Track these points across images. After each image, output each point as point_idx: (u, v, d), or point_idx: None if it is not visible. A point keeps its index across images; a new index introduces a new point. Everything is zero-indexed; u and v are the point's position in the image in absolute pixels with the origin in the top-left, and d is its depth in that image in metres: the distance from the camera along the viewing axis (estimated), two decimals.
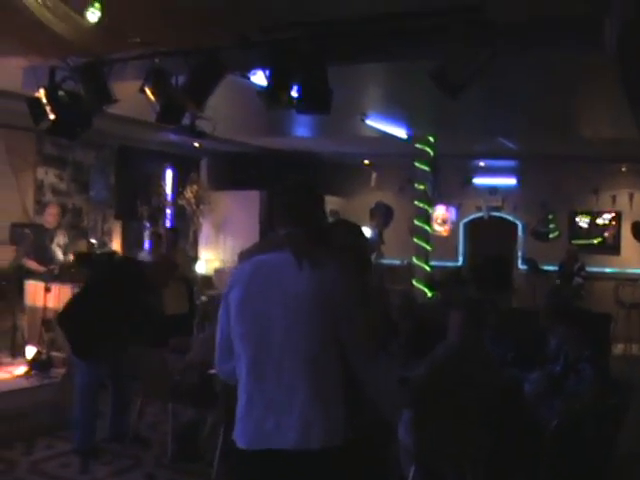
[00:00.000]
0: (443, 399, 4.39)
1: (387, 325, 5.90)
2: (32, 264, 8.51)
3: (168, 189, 13.61)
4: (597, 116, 9.65)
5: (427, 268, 11.28)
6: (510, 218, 14.57)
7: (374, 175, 14.48)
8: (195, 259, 13.36)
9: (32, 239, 8.77)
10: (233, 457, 2.83)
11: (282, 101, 5.56)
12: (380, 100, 9.33)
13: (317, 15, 5.23)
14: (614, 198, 13.59)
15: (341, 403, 2.72)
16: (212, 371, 4.89)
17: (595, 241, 13.73)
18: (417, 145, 11.15)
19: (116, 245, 12.35)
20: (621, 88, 4.82)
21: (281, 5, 5.08)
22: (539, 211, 13.97)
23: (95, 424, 6.02)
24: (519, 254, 14.18)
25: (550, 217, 13.88)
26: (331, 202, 14.70)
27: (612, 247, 13.68)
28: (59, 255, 8.80)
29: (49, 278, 8.06)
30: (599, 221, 13.81)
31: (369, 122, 9.81)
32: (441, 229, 14.64)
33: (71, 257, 8.73)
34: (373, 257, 13.13)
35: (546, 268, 12.45)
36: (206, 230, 14.16)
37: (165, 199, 13.48)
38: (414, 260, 11.37)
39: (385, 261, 13.86)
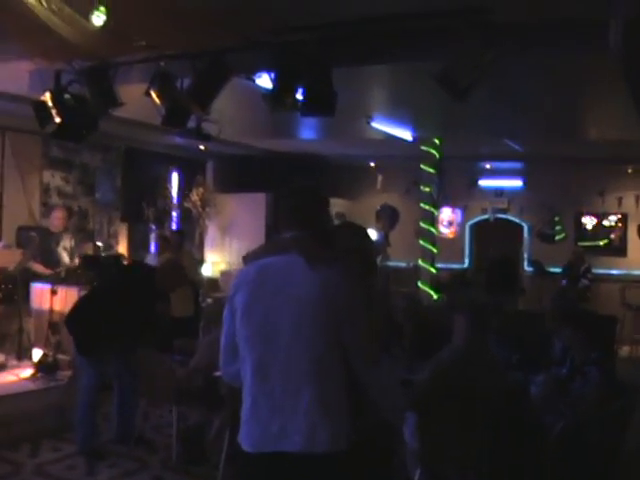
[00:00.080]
0: (448, 402, 4.37)
1: (390, 328, 5.90)
2: (38, 267, 8.52)
3: (174, 192, 13.63)
4: (603, 118, 9.62)
5: (433, 270, 11.26)
6: (516, 220, 14.54)
7: (380, 177, 14.48)
8: (201, 262, 13.38)
9: (38, 242, 8.78)
10: (239, 460, 2.83)
11: (287, 104, 5.57)
12: (385, 102, 9.33)
13: (322, 18, 5.23)
14: (620, 200, 13.55)
15: (345, 406, 2.72)
16: (217, 374, 4.90)
17: (601, 243, 13.69)
18: (423, 147, 11.16)
19: (122, 248, 12.36)
20: (626, 88, 4.80)
21: (286, 8, 5.08)
22: (545, 213, 13.93)
23: (96, 425, 6.04)
24: (525, 256, 14.15)
25: (556, 219, 13.84)
26: (337, 204, 14.69)
27: (618, 249, 13.64)
28: (65, 258, 8.81)
29: (55, 281, 8.06)
30: (605, 223, 13.77)
31: (374, 124, 9.80)
32: (447, 231, 14.64)
33: (77, 260, 8.73)
34: (379, 259, 13.13)
35: (552, 270, 12.42)
36: (212, 232, 14.18)
37: (171, 202, 13.49)
38: (420, 262, 11.36)
39: (391, 263, 13.85)
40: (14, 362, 7.88)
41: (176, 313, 7.89)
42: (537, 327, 6.95)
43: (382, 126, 10.05)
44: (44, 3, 4.73)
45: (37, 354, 7.73)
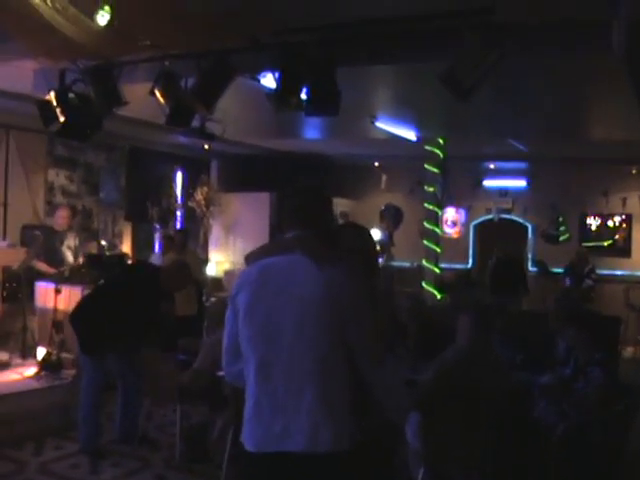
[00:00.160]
0: (452, 402, 4.38)
1: (395, 328, 5.90)
2: (42, 266, 8.54)
3: (178, 191, 13.64)
4: (607, 118, 9.62)
5: (437, 270, 11.26)
6: (520, 220, 14.52)
7: (384, 177, 14.47)
8: (205, 261, 13.39)
9: (42, 241, 8.79)
10: (241, 460, 2.83)
11: (291, 104, 5.56)
12: (390, 102, 9.33)
13: (326, 18, 5.23)
14: (624, 200, 13.52)
15: (349, 406, 2.71)
16: (221, 373, 4.90)
17: (605, 243, 13.67)
18: (427, 147, 11.16)
19: (126, 247, 12.37)
20: (631, 89, 4.80)
21: (291, 8, 5.08)
22: (549, 213, 13.91)
23: (100, 424, 6.05)
24: (529, 256, 14.14)
25: (560, 219, 13.82)
26: (341, 204, 14.71)
27: (622, 250, 13.61)
28: (69, 257, 8.83)
29: (59, 280, 8.08)
30: (609, 223, 13.75)
31: (379, 124, 9.80)
32: (451, 231, 14.62)
33: (81, 259, 8.75)
34: (383, 259, 13.14)
35: (556, 271, 12.40)
36: (216, 232, 14.18)
37: (175, 201, 13.50)
38: (424, 262, 11.36)
39: (395, 263, 13.85)
40: (18, 360, 7.90)
41: (179, 312, 7.90)
42: (541, 327, 6.95)
43: (386, 126, 10.04)
44: (48, 2, 4.73)
45: (41, 353, 7.74)
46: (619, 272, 13.36)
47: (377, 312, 3.03)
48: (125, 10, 4.90)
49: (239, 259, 13.06)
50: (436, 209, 11.29)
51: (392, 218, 14.56)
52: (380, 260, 13.20)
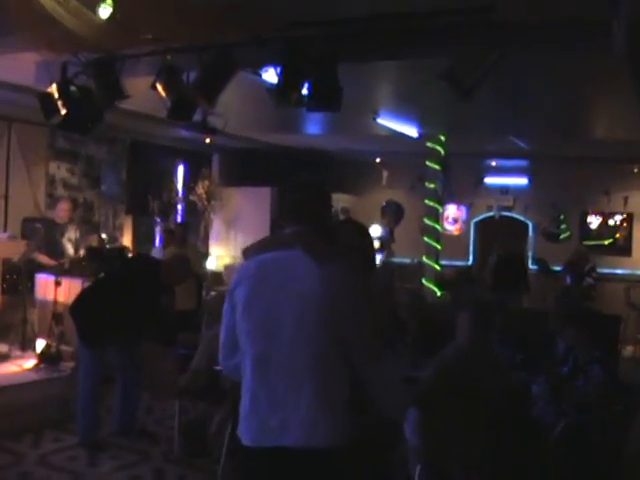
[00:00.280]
0: (451, 400, 4.38)
1: (394, 324, 5.90)
2: (43, 258, 8.55)
3: (179, 185, 13.64)
4: (609, 117, 9.61)
5: (437, 267, 11.26)
6: (521, 218, 14.52)
7: (385, 173, 14.46)
8: (205, 255, 13.39)
9: (43, 233, 8.80)
10: (239, 454, 2.83)
11: (292, 99, 5.55)
12: (392, 98, 9.31)
13: (329, 13, 5.22)
14: (626, 199, 13.51)
15: (347, 401, 2.71)
16: (219, 368, 4.90)
17: (606, 242, 13.67)
18: (428, 144, 11.15)
19: (127, 240, 12.38)
20: (631, 89, 4.80)
21: (293, 3, 5.07)
22: (550, 211, 13.90)
23: (98, 417, 6.06)
24: (529, 254, 14.13)
25: (561, 217, 13.82)
26: (342, 200, 14.70)
27: (623, 248, 13.61)
28: (70, 250, 8.83)
29: (59, 272, 8.09)
30: (610, 222, 13.74)
31: (380, 120, 9.79)
32: (452, 228, 14.62)
33: (82, 252, 8.75)
34: (384, 255, 13.14)
35: (556, 269, 12.40)
36: (217, 226, 14.19)
37: (176, 195, 13.50)
38: (424, 259, 11.35)
39: (395, 260, 13.85)
40: (18, 352, 7.92)
41: (179, 306, 7.91)
42: (541, 326, 6.94)
43: (388, 122, 10.03)
44: None
45: (40, 345, 7.75)
46: (620, 271, 13.36)
47: (375, 309, 3.03)
48: (127, 3, 4.90)
49: (239, 253, 13.06)
50: (437, 206, 11.28)
51: (393, 214, 14.54)
52: (380, 256, 13.22)
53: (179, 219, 13.33)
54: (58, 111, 6.52)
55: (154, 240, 12.78)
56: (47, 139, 10.75)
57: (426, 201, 11.31)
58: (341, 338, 2.67)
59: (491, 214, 14.70)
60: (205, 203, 13.50)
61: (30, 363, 7.52)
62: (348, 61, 5.48)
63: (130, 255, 9.98)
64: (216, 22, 5.25)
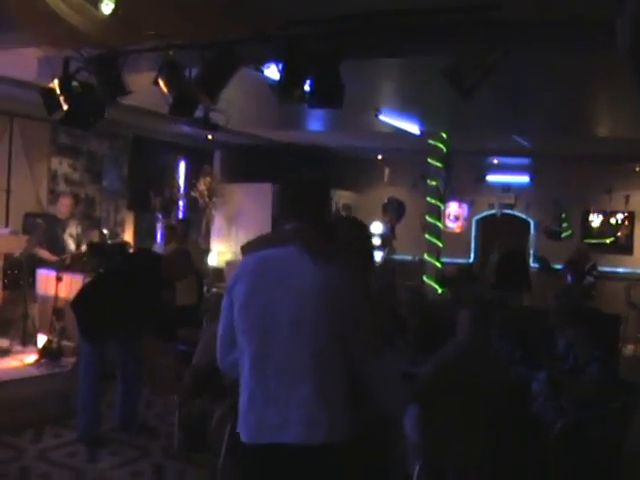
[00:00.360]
0: (451, 396, 4.38)
1: (394, 321, 5.91)
2: (44, 253, 8.54)
3: (181, 181, 13.64)
4: (611, 115, 9.60)
5: (438, 265, 11.26)
6: (522, 216, 14.52)
7: (387, 170, 14.46)
8: (207, 251, 13.39)
9: (44, 229, 8.79)
10: (238, 450, 2.83)
11: (295, 95, 5.55)
12: (394, 96, 9.31)
13: (331, 10, 5.21)
14: (627, 198, 13.51)
15: (345, 398, 2.71)
16: None
17: (607, 241, 13.66)
18: (430, 141, 11.15)
19: (128, 236, 12.38)
20: (634, 87, 4.79)
21: (293, 1, 5.07)
22: (552, 209, 13.91)
23: (99, 412, 6.07)
24: (531, 252, 14.13)
25: (563, 216, 13.81)
26: (344, 197, 14.70)
27: (625, 247, 13.62)
28: (71, 245, 8.84)
29: (61, 268, 8.09)
30: (612, 221, 13.73)
31: (382, 117, 9.78)
32: (453, 226, 14.63)
33: (83, 247, 8.76)
34: (385, 252, 13.14)
35: (557, 267, 12.40)
36: (218, 222, 14.19)
37: (178, 191, 13.51)
38: (425, 256, 11.35)
39: (397, 257, 13.86)
40: (18, 347, 7.93)
41: (179, 301, 7.91)
42: (541, 323, 6.94)
43: (390, 119, 10.02)
44: None
45: (41, 340, 7.76)
46: (621, 269, 13.36)
47: (375, 305, 3.03)
48: None
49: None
50: (438, 203, 11.28)
51: (395, 211, 14.55)
52: (382, 253, 13.22)
53: (180, 215, 13.33)
54: (60, 106, 6.53)
55: (155, 236, 12.78)
56: (49, 134, 10.76)
57: (428, 198, 11.30)
58: (340, 335, 2.67)
59: (493, 212, 14.71)
60: (206, 199, 13.50)
61: (31, 358, 7.53)
62: (349, 58, 5.46)
63: (130, 250, 9.98)
64: (218, 18, 5.24)
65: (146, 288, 5.88)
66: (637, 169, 13.18)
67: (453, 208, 14.68)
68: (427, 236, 11.32)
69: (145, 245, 11.78)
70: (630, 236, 13.60)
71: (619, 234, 13.67)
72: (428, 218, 11.29)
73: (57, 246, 8.71)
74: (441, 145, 11.14)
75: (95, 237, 9.69)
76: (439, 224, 11.34)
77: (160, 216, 12.69)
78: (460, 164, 12.58)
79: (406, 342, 6.14)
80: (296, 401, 2.63)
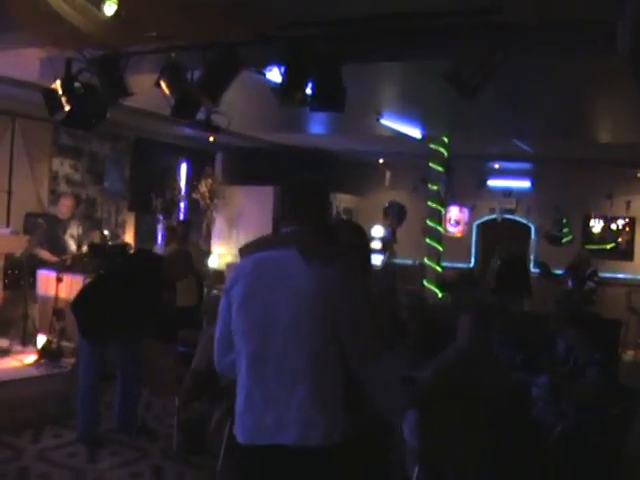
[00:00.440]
0: (451, 401, 4.38)
1: (395, 325, 5.90)
2: (45, 254, 8.54)
3: (182, 183, 13.65)
4: (613, 120, 9.59)
5: (438, 269, 11.25)
6: (523, 221, 14.51)
7: (388, 174, 14.46)
8: (207, 253, 13.39)
9: (45, 229, 8.80)
10: (236, 452, 2.84)
11: (296, 98, 5.54)
12: (395, 100, 9.30)
13: (329, 13, 5.21)
14: (628, 204, 13.50)
15: (341, 400, 2.72)
16: None
17: (608, 246, 13.65)
18: (431, 145, 11.14)
19: (129, 237, 12.39)
20: (635, 91, 4.80)
21: (293, 3, 5.07)
22: (553, 215, 13.88)
23: (98, 413, 6.06)
24: (531, 257, 14.11)
25: (564, 221, 13.80)
26: (345, 200, 14.70)
27: (625, 253, 13.59)
28: (72, 246, 8.84)
29: (61, 268, 8.09)
30: (613, 226, 13.72)
31: (384, 121, 9.78)
32: (454, 230, 14.61)
33: (84, 248, 8.76)
34: (386, 256, 13.13)
35: (558, 272, 12.38)
36: (219, 224, 14.19)
37: (179, 192, 13.52)
38: (426, 260, 11.35)
39: (397, 260, 13.84)
40: (18, 348, 7.93)
41: (179, 303, 7.91)
42: (541, 328, 6.94)
43: (391, 123, 10.02)
44: None
45: (41, 340, 7.76)
46: (621, 275, 13.34)
47: (374, 309, 3.03)
48: (132, 0, 4.89)
49: None
50: (439, 207, 11.27)
51: (395, 215, 14.53)
52: (382, 257, 13.22)
53: (181, 217, 13.33)
54: (62, 107, 6.53)
55: (156, 237, 12.78)
56: (51, 135, 10.77)
57: (429, 202, 11.30)
58: (335, 338, 2.68)
59: (493, 217, 14.69)
60: (208, 201, 13.50)
61: (31, 358, 7.53)
62: (348, 61, 5.47)
63: (130, 252, 9.98)
64: (220, 20, 5.24)
65: (146, 289, 5.87)
66: (638, 175, 13.16)
67: (454, 212, 14.66)
68: (428, 240, 11.32)
69: (146, 246, 11.77)
70: (631, 242, 13.58)
71: (620, 240, 13.65)
72: (429, 222, 11.28)
73: (58, 247, 8.71)
74: (442, 149, 11.14)
75: (96, 238, 9.70)
76: (440, 228, 11.34)
77: (161, 217, 12.70)
78: (461, 168, 12.58)
79: (406, 346, 6.14)
80: (293, 403, 2.64)
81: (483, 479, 4.47)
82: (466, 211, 14.75)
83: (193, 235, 11.74)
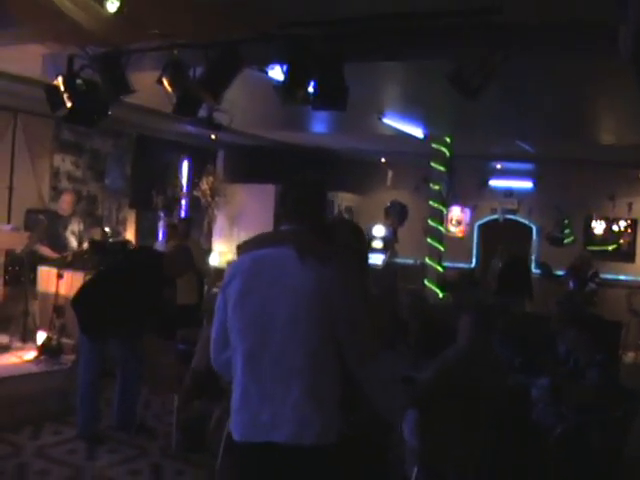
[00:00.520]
0: (451, 401, 4.37)
1: (395, 324, 5.89)
2: (45, 250, 8.54)
3: (184, 180, 13.63)
4: (615, 121, 9.57)
5: (440, 269, 11.24)
6: (525, 221, 14.49)
7: (390, 173, 14.44)
8: (208, 251, 13.38)
9: (46, 225, 8.80)
10: (232, 449, 2.83)
11: (298, 97, 5.54)
12: (398, 99, 9.29)
13: (331, 12, 5.21)
14: (630, 205, 13.47)
15: (337, 400, 2.72)
16: None
17: (610, 248, 13.62)
18: (433, 145, 11.13)
19: (130, 234, 12.38)
20: (638, 93, 4.79)
21: (293, 2, 5.06)
22: (554, 215, 13.86)
23: (98, 409, 6.05)
24: (533, 258, 14.09)
25: (565, 222, 13.78)
26: (346, 199, 14.68)
27: (627, 254, 13.57)
28: (73, 242, 8.83)
29: (62, 265, 8.09)
30: (614, 228, 13.70)
31: (386, 120, 9.77)
32: (456, 230, 14.59)
33: (85, 245, 8.76)
34: (387, 256, 13.12)
35: (559, 273, 12.36)
36: (220, 222, 14.17)
37: (181, 190, 13.51)
38: (427, 260, 11.34)
39: (398, 260, 13.83)
40: (18, 344, 7.92)
41: (180, 300, 7.91)
42: (542, 329, 6.93)
43: (394, 122, 10.01)
44: None
45: (41, 337, 7.75)
46: (623, 277, 13.31)
47: (372, 308, 3.03)
48: None
49: None
50: (441, 207, 11.26)
51: (397, 215, 14.53)
52: (384, 257, 13.20)
53: (182, 214, 13.32)
54: (64, 104, 6.52)
55: (157, 235, 12.78)
56: (52, 131, 10.76)
57: (430, 202, 11.28)
58: (332, 337, 2.68)
59: (495, 217, 14.67)
60: (209, 199, 13.48)
61: (30, 355, 7.53)
62: (354, 60, 5.47)
63: (131, 248, 9.97)
64: (222, 19, 5.24)
65: (147, 285, 5.86)
66: None
67: (455, 212, 14.64)
68: (429, 240, 11.30)
69: (146, 244, 11.76)
70: (632, 244, 13.56)
71: (621, 241, 13.63)
72: (430, 222, 11.27)
73: (58, 243, 8.71)
74: (444, 149, 11.13)
75: (97, 235, 9.69)
76: (441, 228, 11.33)
77: (162, 215, 12.69)
78: (463, 168, 12.56)
79: (408, 345, 6.13)
80: (288, 401, 2.64)
81: (483, 479, 4.47)
82: (468, 211, 14.73)
83: (194, 233, 11.73)
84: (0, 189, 9.81)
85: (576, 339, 5.69)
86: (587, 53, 5.34)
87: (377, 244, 13.82)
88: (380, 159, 14.58)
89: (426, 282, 11.18)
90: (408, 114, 9.71)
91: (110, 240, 9.81)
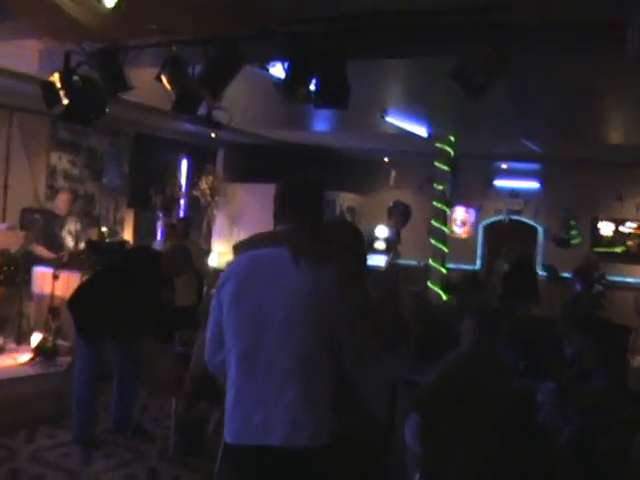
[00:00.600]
0: (454, 405, 4.33)
1: (397, 326, 5.81)
2: (41, 250, 8.47)
3: (183, 179, 13.60)
4: (623, 120, 9.52)
5: (443, 270, 11.16)
6: (531, 222, 14.39)
7: (393, 173, 14.36)
8: (208, 251, 13.31)
9: (42, 225, 8.73)
10: (226, 451, 2.83)
11: (299, 95, 5.50)
12: (401, 97, 9.24)
13: (333, 9, 5.17)
14: (638, 206, 13.38)
15: (329, 400, 2.71)
16: None
17: (617, 249, 13.50)
18: (437, 144, 11.06)
19: (127, 234, 12.38)
20: None
21: (298, 2, 5.02)
22: (561, 216, 13.79)
23: (95, 413, 6.01)
24: (538, 260, 13.99)
25: (572, 223, 13.69)
26: (348, 199, 14.61)
27: (635, 256, 13.46)
28: (69, 242, 8.75)
29: (58, 265, 8.00)
30: (622, 229, 13.57)
31: (389, 119, 9.69)
32: (460, 231, 14.52)
33: (82, 245, 8.67)
34: (390, 257, 13.04)
35: (565, 275, 12.25)
36: (220, 222, 14.13)
37: (179, 189, 13.48)
38: (430, 262, 11.26)
39: (401, 261, 13.75)
40: (13, 346, 7.83)
41: (179, 301, 7.84)
42: (548, 332, 6.89)
43: (397, 121, 9.94)
44: None
45: (36, 339, 7.65)
46: (631, 279, 13.21)
47: (372, 310, 3.02)
48: None
49: None
50: (445, 208, 11.19)
51: (400, 215, 14.43)
52: (386, 258, 13.12)
53: (181, 214, 13.27)
54: (60, 101, 6.44)
55: (155, 235, 12.74)
56: (49, 129, 10.73)
57: (434, 203, 11.22)
58: (328, 338, 2.67)
59: (500, 218, 14.59)
60: (208, 198, 13.45)
61: (25, 357, 7.44)
62: (356, 58, 5.45)
63: (128, 247, 9.91)
64: (222, 14, 5.21)
65: (144, 286, 5.81)
66: None
67: (460, 213, 14.56)
68: (432, 241, 11.24)
69: (145, 244, 11.69)
70: None
71: (630, 243, 13.50)
72: (434, 223, 11.20)
73: (54, 243, 8.64)
74: (448, 148, 11.05)
75: (94, 235, 9.63)
76: (445, 229, 11.26)
77: (161, 215, 12.66)
78: (467, 168, 12.49)
79: (408, 346, 6.07)
80: (282, 402, 2.62)
81: None
82: (472, 212, 14.66)
83: (193, 233, 11.67)
84: None
85: (582, 342, 5.68)
86: (592, 53, 5.35)
87: (380, 245, 13.71)
88: (383, 158, 14.53)
89: (429, 284, 11.13)
90: (411, 112, 9.64)
91: (107, 240, 9.73)
